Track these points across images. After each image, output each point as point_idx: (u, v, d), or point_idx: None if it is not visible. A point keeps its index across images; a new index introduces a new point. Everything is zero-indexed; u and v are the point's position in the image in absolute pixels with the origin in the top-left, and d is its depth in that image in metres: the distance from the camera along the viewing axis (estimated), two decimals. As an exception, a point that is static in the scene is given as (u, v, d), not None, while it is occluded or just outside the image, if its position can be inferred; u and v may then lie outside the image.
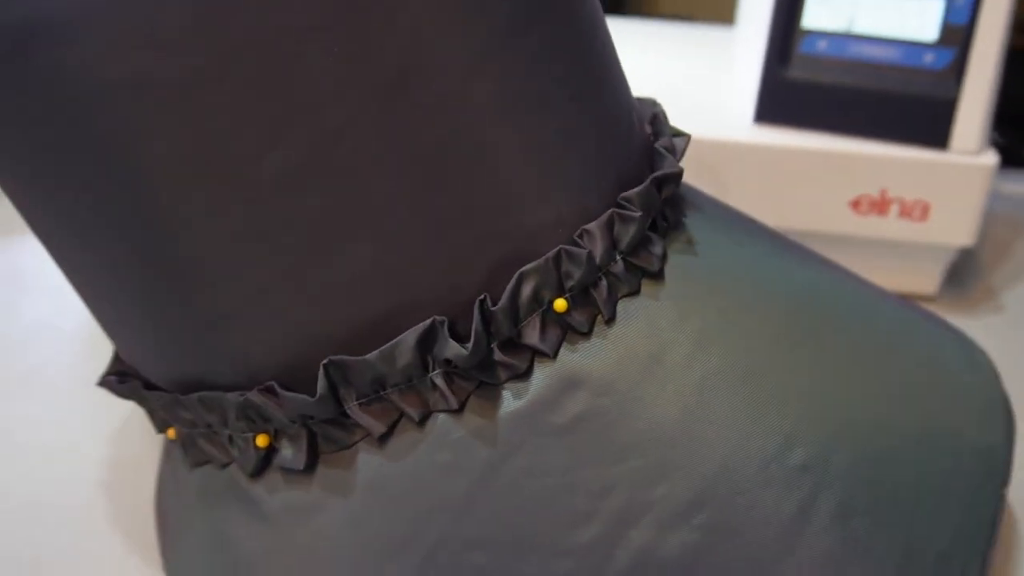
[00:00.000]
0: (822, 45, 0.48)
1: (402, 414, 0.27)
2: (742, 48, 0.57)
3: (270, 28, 0.23)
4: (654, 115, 0.33)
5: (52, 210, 0.26)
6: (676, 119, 0.49)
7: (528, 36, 0.26)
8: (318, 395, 0.26)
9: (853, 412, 0.29)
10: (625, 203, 0.28)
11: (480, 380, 0.27)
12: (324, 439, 0.27)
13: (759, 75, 0.49)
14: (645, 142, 0.31)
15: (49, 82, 0.23)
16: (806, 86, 0.48)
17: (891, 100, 0.47)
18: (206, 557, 0.29)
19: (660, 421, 0.27)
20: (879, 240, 0.49)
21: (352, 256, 0.25)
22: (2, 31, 0.23)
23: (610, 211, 0.28)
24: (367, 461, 0.27)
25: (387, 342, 0.26)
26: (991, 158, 0.47)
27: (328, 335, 0.26)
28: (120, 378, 0.31)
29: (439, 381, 0.26)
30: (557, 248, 0.27)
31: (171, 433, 0.30)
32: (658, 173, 0.29)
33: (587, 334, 0.27)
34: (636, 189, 0.28)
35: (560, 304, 0.27)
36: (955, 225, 0.48)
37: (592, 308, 0.27)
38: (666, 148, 0.30)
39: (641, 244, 0.28)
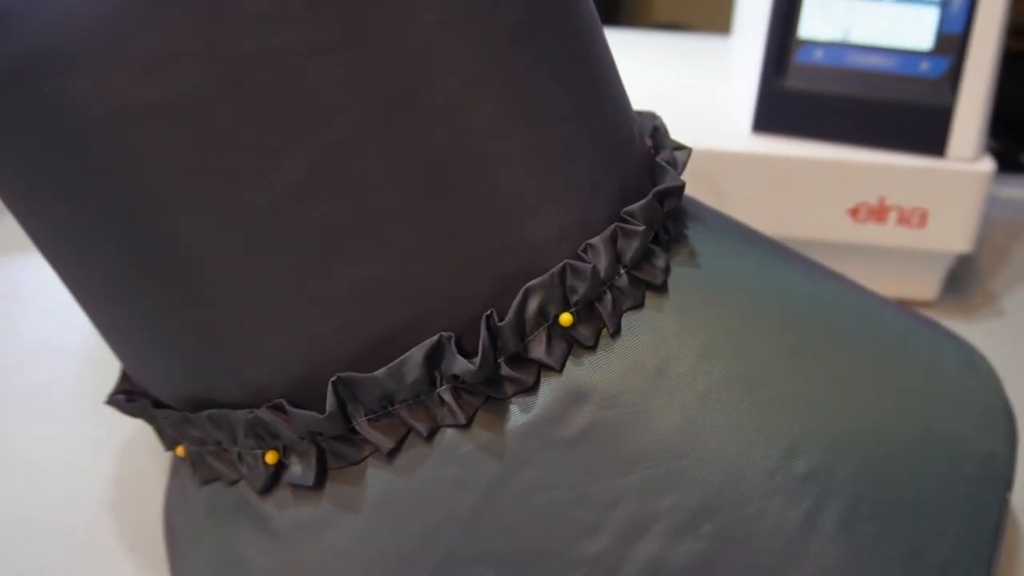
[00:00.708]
0: (818, 55, 0.48)
1: (410, 429, 0.27)
2: (739, 58, 0.58)
3: (273, 50, 0.23)
4: (655, 128, 0.33)
5: (59, 232, 0.27)
6: (674, 129, 0.49)
7: (530, 50, 0.26)
8: (327, 412, 0.26)
9: (855, 419, 0.29)
10: (628, 217, 0.28)
11: (487, 395, 0.27)
12: (333, 455, 0.27)
13: (756, 85, 0.49)
14: (646, 155, 0.31)
15: (54, 109, 0.24)
16: (803, 95, 0.48)
17: (888, 108, 0.47)
18: (216, 574, 0.29)
19: (666, 432, 0.27)
20: (878, 247, 0.49)
21: (358, 271, 0.25)
22: (9, 59, 0.23)
23: (613, 225, 0.28)
24: (376, 476, 0.27)
25: (394, 357, 0.26)
26: (988, 165, 0.47)
27: (336, 351, 0.26)
28: (128, 396, 0.31)
29: (447, 396, 0.26)
30: (562, 263, 0.27)
31: (180, 451, 0.30)
32: (660, 187, 0.29)
33: (592, 348, 0.27)
34: (639, 203, 0.28)
35: (566, 318, 0.27)
36: (953, 232, 0.48)
37: (597, 322, 0.27)
38: (667, 161, 0.31)
39: (644, 258, 0.28)
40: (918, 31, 0.47)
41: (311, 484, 0.27)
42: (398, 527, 0.27)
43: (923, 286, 0.52)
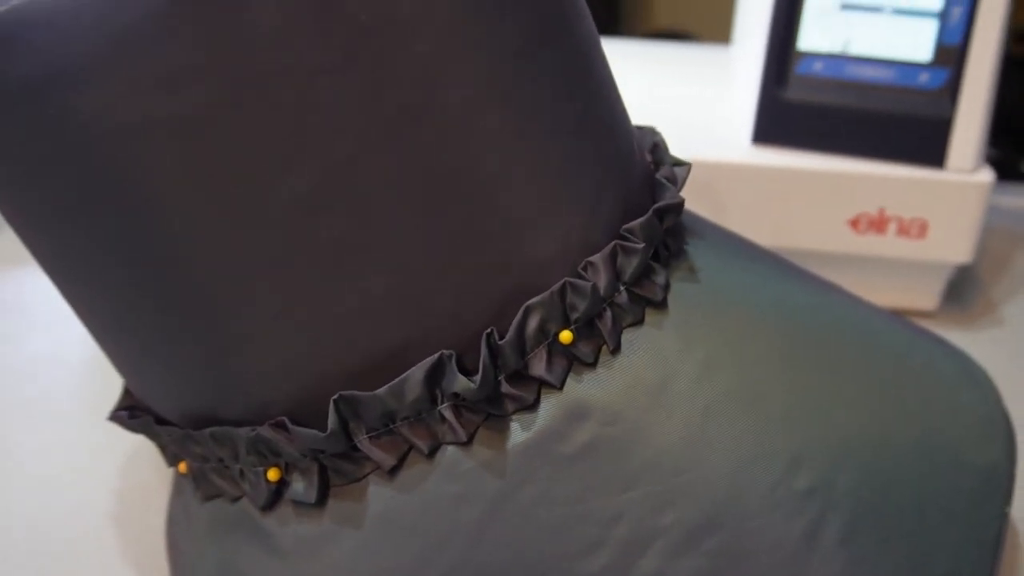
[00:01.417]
0: (818, 66, 0.48)
1: (411, 447, 0.27)
2: (739, 68, 0.58)
3: (280, 68, 0.23)
4: (655, 144, 0.33)
5: (62, 247, 0.27)
6: (674, 140, 0.50)
7: (532, 67, 0.26)
8: (329, 430, 0.26)
9: (856, 433, 0.29)
10: (628, 235, 0.28)
11: (488, 412, 0.27)
12: (334, 472, 0.27)
13: (756, 96, 0.49)
14: (646, 171, 0.31)
15: (62, 126, 0.24)
16: (803, 107, 0.48)
17: (887, 120, 0.47)
18: (218, 590, 0.29)
19: (667, 448, 0.27)
20: (878, 258, 0.50)
21: (362, 287, 0.26)
22: (17, 77, 0.23)
23: (613, 243, 0.28)
24: (377, 493, 0.27)
25: (396, 375, 0.26)
26: (987, 176, 0.47)
27: (339, 368, 0.26)
28: (131, 413, 0.31)
29: (448, 414, 0.26)
30: (562, 281, 0.27)
31: (182, 467, 0.31)
32: (660, 204, 0.29)
33: (593, 365, 0.27)
34: (638, 220, 0.28)
35: (566, 336, 0.27)
36: (953, 242, 0.48)
37: (597, 339, 0.28)
38: (667, 178, 0.31)
39: (644, 275, 0.28)
40: (917, 43, 0.47)
41: (313, 501, 0.27)
42: (400, 544, 0.27)
43: (923, 296, 0.52)
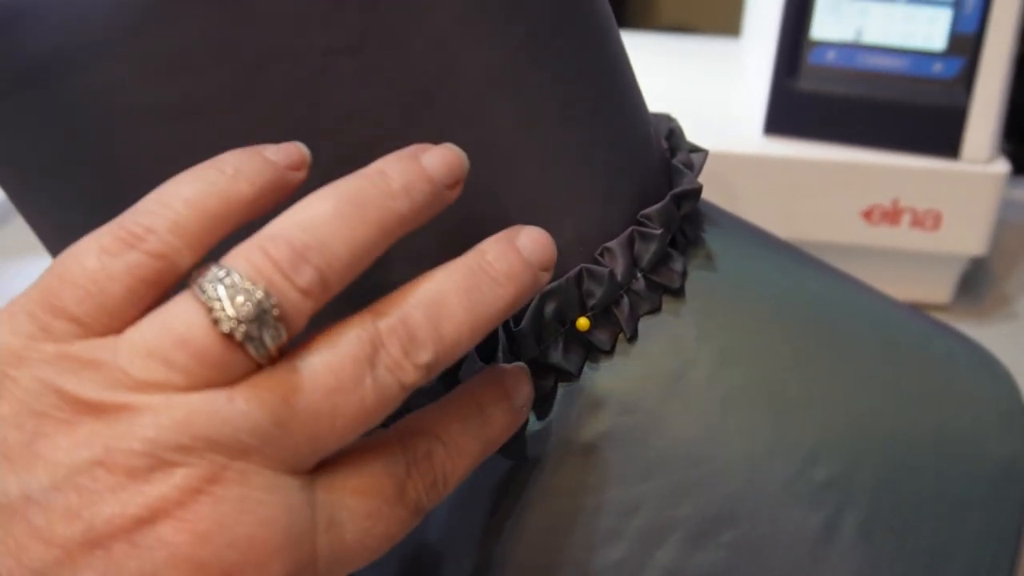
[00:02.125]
0: (831, 56, 0.48)
1: None
2: (750, 59, 0.57)
3: (292, 50, 0.23)
4: (671, 130, 0.33)
5: (72, 232, 0.26)
6: (686, 132, 0.49)
7: (548, 50, 0.26)
8: None
9: (874, 425, 0.29)
10: (645, 220, 0.28)
11: None
12: None
13: (768, 87, 0.49)
14: (663, 157, 0.31)
15: (71, 108, 0.23)
16: (816, 97, 0.48)
17: (901, 110, 0.47)
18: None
19: (684, 439, 0.27)
20: (892, 250, 0.49)
21: (381, 278, 0.25)
22: (26, 59, 0.23)
23: (631, 229, 0.28)
24: None
25: None
26: (1003, 166, 0.47)
27: None
28: None
29: None
30: (578, 267, 0.27)
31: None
32: (677, 190, 0.29)
33: (610, 353, 0.27)
34: (656, 206, 0.28)
35: (583, 323, 0.27)
36: (967, 234, 0.48)
37: (614, 327, 0.27)
38: (684, 164, 0.30)
39: (662, 261, 0.28)
40: (931, 32, 0.47)
41: None
42: (422, 539, 0.27)
43: (936, 289, 0.51)
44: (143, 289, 0.19)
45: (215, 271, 0.19)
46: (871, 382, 0.30)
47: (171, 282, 0.20)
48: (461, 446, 0.23)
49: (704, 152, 0.32)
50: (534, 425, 0.27)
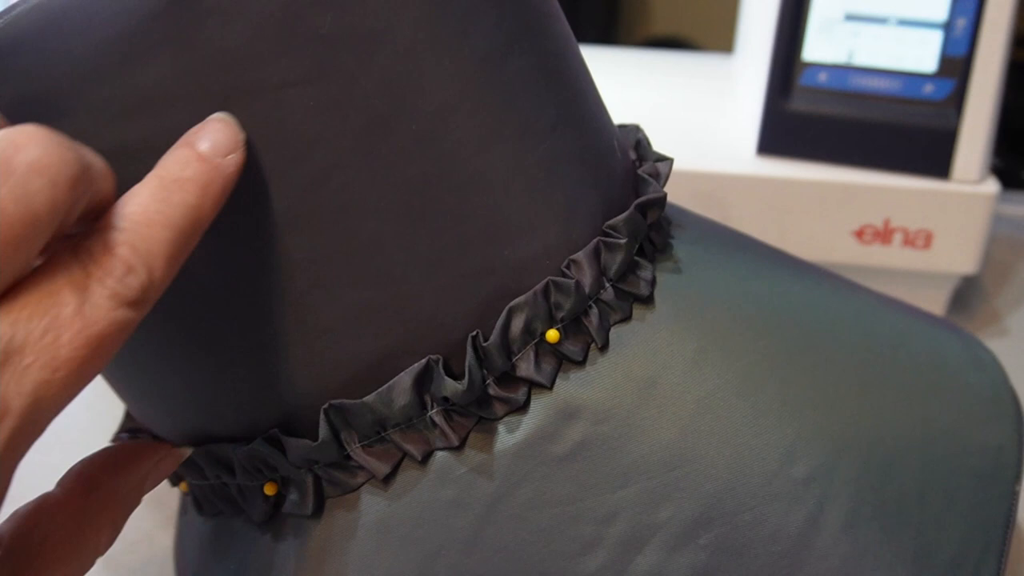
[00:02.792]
0: (823, 77, 0.48)
1: (404, 454, 0.27)
2: (742, 79, 0.58)
3: (246, 85, 0.23)
4: (637, 141, 0.33)
5: None
6: (678, 150, 0.49)
7: (504, 68, 0.26)
8: (320, 439, 0.26)
9: (855, 419, 0.29)
10: (611, 231, 0.28)
11: (478, 416, 0.27)
12: (329, 483, 0.27)
13: (761, 107, 0.49)
14: (628, 168, 0.31)
15: None
16: (808, 118, 0.48)
17: (892, 131, 0.47)
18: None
19: (660, 444, 0.27)
20: (883, 269, 0.50)
21: (346, 298, 0.26)
22: None
23: (596, 239, 0.28)
24: (371, 503, 0.27)
25: (384, 383, 0.26)
26: (993, 187, 0.47)
27: (326, 379, 0.26)
28: (132, 435, 0.31)
29: (438, 419, 0.26)
30: (545, 280, 0.27)
31: (183, 487, 0.31)
32: (642, 199, 0.29)
33: (582, 363, 0.27)
34: (621, 216, 0.28)
35: (552, 335, 0.27)
36: (958, 253, 0.48)
37: (585, 337, 0.27)
38: (650, 173, 0.31)
39: (629, 270, 0.28)
40: (922, 54, 0.47)
41: (309, 513, 0.27)
42: (398, 552, 0.27)
43: (928, 306, 0.52)
44: None
45: None
46: (851, 375, 0.30)
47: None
48: (144, 221, 0.21)
49: (670, 161, 0.32)
50: (510, 439, 0.27)
